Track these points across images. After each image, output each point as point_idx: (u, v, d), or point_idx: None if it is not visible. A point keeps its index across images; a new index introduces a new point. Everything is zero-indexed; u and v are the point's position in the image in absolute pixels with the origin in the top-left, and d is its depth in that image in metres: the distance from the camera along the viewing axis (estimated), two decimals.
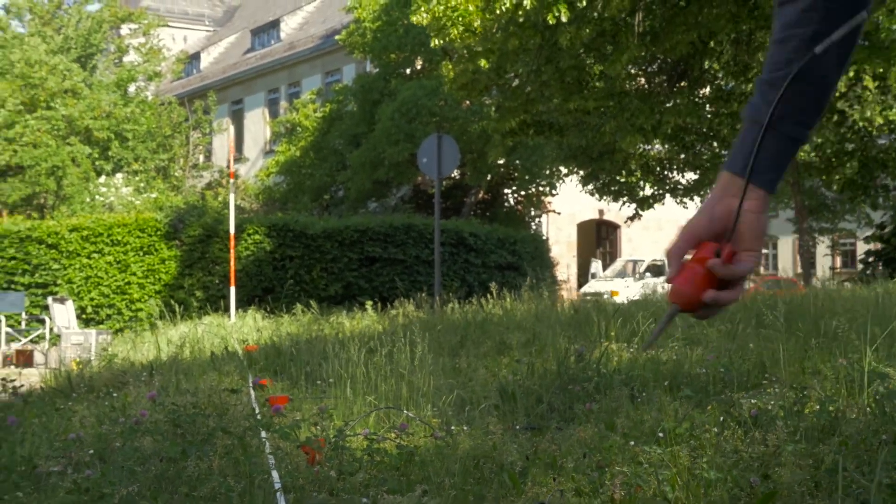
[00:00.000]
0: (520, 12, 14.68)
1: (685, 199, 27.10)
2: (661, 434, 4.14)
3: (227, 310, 17.45)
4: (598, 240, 43.33)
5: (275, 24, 47.98)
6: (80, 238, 20.63)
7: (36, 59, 33.65)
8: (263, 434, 4.70)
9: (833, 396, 4.62)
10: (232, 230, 17.97)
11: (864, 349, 5.28)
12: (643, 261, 34.17)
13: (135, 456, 4.52)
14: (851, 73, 18.74)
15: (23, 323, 18.82)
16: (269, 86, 44.72)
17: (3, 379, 6.71)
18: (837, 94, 18.94)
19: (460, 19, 15.15)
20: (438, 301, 14.64)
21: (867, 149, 22.01)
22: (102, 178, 35.29)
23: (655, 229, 39.34)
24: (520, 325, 9.65)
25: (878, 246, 23.91)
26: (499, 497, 3.85)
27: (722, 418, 4.37)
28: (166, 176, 37.86)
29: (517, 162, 29.37)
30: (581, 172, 26.84)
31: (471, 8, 15.00)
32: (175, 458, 4.35)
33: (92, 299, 20.50)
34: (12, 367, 15.32)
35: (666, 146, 23.36)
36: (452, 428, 5.07)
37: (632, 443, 4.16)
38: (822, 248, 40.22)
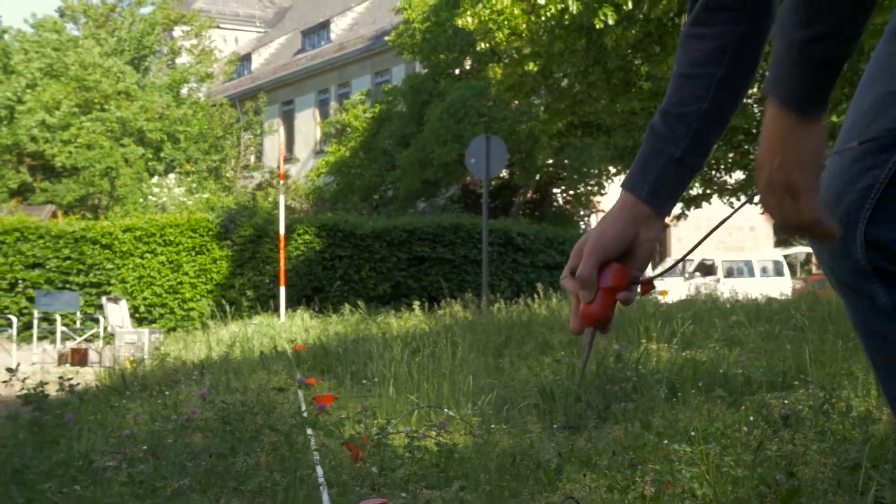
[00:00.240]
0: (566, 17, 14.69)
1: (732, 199, 26.93)
2: (692, 433, 4.22)
3: (276, 309, 17.62)
4: None
5: (325, 26, 48.14)
6: (133, 238, 20.91)
7: (90, 62, 34.09)
8: (309, 431, 4.78)
9: (863, 397, 4.69)
10: (282, 230, 18.16)
11: None
12: (692, 260, 33.93)
13: (186, 451, 4.66)
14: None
15: (77, 322, 19.03)
16: (320, 86, 44.84)
17: (61, 377, 6.91)
18: None
19: (506, 23, 15.16)
20: (486, 301, 14.72)
21: None
22: (155, 179, 35.66)
23: (705, 228, 39.00)
24: (564, 326, 9.71)
25: None
26: (534, 493, 3.92)
27: (752, 418, 4.44)
28: (218, 177, 38.09)
29: (566, 162, 29.32)
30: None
31: (516, 12, 15.02)
32: (224, 454, 4.50)
33: (145, 299, 20.78)
34: (67, 365, 15.55)
35: (714, 146, 23.24)
36: (492, 426, 5.16)
37: (665, 441, 4.20)
38: None
